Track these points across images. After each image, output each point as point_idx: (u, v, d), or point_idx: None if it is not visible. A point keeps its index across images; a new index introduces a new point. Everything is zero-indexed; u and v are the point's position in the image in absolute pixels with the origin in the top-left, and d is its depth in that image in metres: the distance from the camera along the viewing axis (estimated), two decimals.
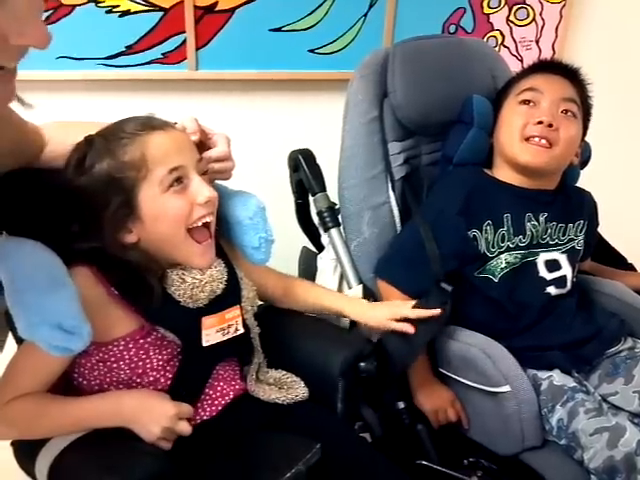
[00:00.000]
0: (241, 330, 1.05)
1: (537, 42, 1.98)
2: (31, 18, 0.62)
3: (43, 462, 0.90)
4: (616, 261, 1.52)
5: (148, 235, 0.95)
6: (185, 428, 0.93)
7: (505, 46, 1.96)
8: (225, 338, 1.02)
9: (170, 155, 0.93)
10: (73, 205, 0.92)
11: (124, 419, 0.92)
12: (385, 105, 1.35)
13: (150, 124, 0.95)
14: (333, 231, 1.37)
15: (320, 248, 1.47)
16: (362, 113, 1.34)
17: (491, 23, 1.93)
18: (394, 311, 1.18)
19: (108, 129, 0.96)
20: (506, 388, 1.12)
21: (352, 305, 1.23)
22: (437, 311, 1.16)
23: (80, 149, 0.93)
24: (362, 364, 1.13)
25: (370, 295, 1.32)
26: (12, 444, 1.01)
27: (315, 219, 1.44)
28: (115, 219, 0.92)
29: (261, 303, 1.18)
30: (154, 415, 0.92)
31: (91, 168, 0.91)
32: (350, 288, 1.34)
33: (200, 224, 0.97)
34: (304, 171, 1.38)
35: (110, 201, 0.91)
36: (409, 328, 1.15)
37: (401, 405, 1.27)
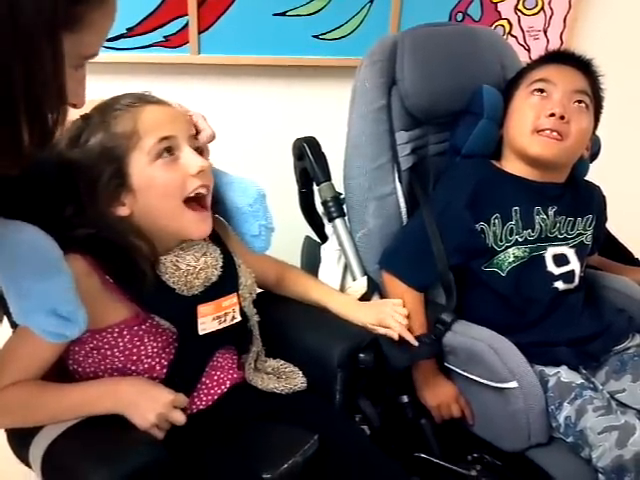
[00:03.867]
0: (238, 318, 1.04)
1: (545, 32, 1.96)
2: (84, 83, 0.73)
3: (36, 450, 0.89)
4: (623, 256, 1.51)
5: (140, 208, 0.94)
6: (179, 417, 0.92)
7: (513, 35, 1.94)
8: (221, 326, 1.01)
9: (161, 125, 0.93)
10: (66, 180, 0.92)
11: (119, 405, 0.91)
12: (393, 93, 1.32)
13: (145, 98, 0.96)
14: (337, 221, 1.35)
15: (324, 238, 1.45)
16: (369, 101, 1.31)
17: (499, 11, 1.91)
18: (379, 319, 1.18)
19: (104, 103, 0.96)
20: (513, 384, 1.11)
21: (338, 302, 1.22)
22: (414, 342, 1.17)
23: (76, 126, 0.93)
24: (361, 355, 1.12)
25: (375, 287, 1.30)
26: (6, 431, 1.00)
27: (319, 209, 1.41)
28: (107, 190, 0.91)
29: (260, 291, 1.17)
30: (149, 401, 0.91)
31: (86, 142, 0.92)
32: (354, 279, 1.33)
33: (193, 194, 0.96)
34: (309, 160, 1.35)
35: (102, 172, 0.91)
36: (393, 335, 1.16)
37: (405, 399, 1.26)
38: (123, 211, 0.94)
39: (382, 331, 1.17)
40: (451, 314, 1.22)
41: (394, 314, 1.19)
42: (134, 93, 0.97)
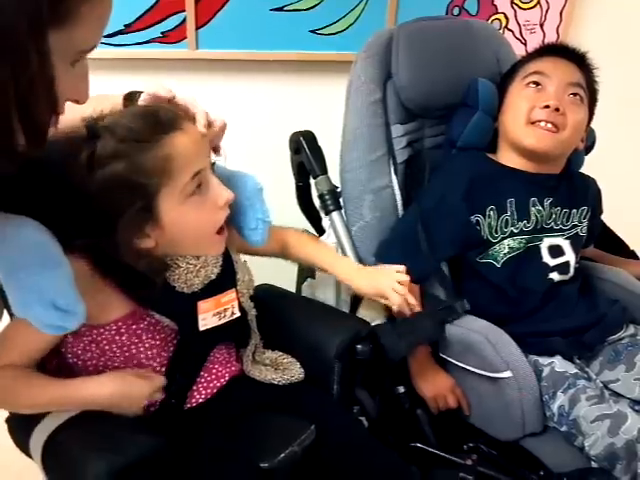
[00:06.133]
0: (237, 314, 1.05)
1: (541, 26, 1.96)
2: (86, 79, 0.71)
3: (37, 441, 0.90)
4: (618, 248, 1.51)
5: (167, 241, 0.93)
6: (158, 397, 0.96)
7: (509, 29, 1.94)
8: (221, 322, 1.02)
9: (192, 159, 0.89)
10: (82, 210, 0.86)
11: (103, 406, 0.91)
12: (388, 87, 1.33)
13: (165, 123, 0.88)
14: (334, 214, 1.35)
15: (321, 231, 1.46)
16: (365, 95, 1.32)
17: (495, 5, 1.91)
18: (378, 290, 1.15)
19: (117, 125, 0.86)
20: (507, 374, 1.12)
21: (341, 268, 1.21)
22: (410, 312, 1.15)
23: (84, 142, 0.86)
24: (358, 347, 1.13)
25: None
26: (6, 422, 1.01)
27: (316, 202, 1.42)
28: (132, 224, 0.87)
29: (258, 284, 1.18)
30: (132, 400, 0.93)
31: (102, 167, 0.84)
32: None
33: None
34: (305, 153, 1.36)
35: (127, 206, 0.85)
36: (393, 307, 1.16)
37: (401, 389, 1.26)
38: (148, 243, 0.91)
39: (382, 302, 1.16)
40: (465, 305, 1.20)
41: (394, 285, 1.14)
42: (146, 115, 0.89)
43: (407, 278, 1.15)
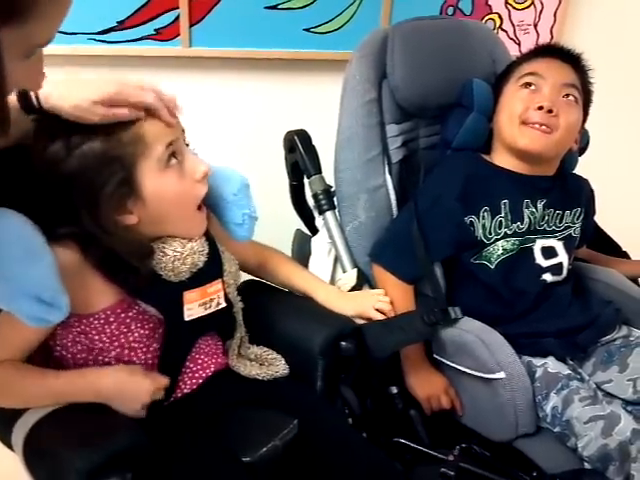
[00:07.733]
0: (223, 304, 1.05)
1: (535, 26, 1.97)
2: (39, 68, 0.70)
3: (19, 434, 0.90)
4: (611, 249, 1.51)
5: (149, 214, 0.93)
6: (160, 396, 0.96)
7: (503, 29, 1.94)
8: (207, 312, 1.02)
9: (165, 128, 0.91)
10: (63, 191, 0.87)
11: (101, 398, 0.92)
12: (384, 87, 1.33)
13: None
14: (328, 214, 1.35)
15: (314, 231, 1.45)
16: (360, 94, 1.31)
17: (489, 5, 1.91)
18: (360, 311, 1.20)
19: None
20: (501, 375, 1.12)
21: (320, 291, 1.23)
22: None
23: (58, 126, 0.87)
24: (343, 343, 1.13)
25: (365, 279, 1.31)
26: None
27: (310, 201, 1.42)
28: (114, 199, 0.88)
29: (245, 279, 1.18)
30: (133, 394, 0.93)
31: (78, 147, 0.86)
32: (344, 272, 1.33)
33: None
34: (300, 152, 1.35)
35: (107, 180, 0.87)
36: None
37: (394, 390, 1.26)
38: (131, 219, 0.92)
39: (361, 321, 1.19)
40: (458, 312, 1.21)
41: (377, 304, 1.21)
42: None
43: (388, 306, 1.22)
